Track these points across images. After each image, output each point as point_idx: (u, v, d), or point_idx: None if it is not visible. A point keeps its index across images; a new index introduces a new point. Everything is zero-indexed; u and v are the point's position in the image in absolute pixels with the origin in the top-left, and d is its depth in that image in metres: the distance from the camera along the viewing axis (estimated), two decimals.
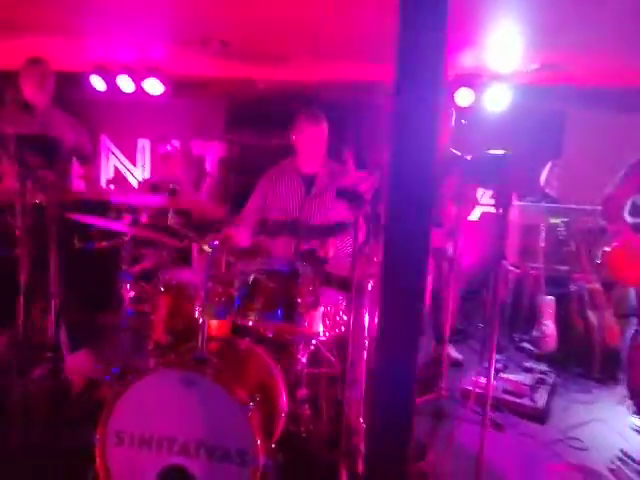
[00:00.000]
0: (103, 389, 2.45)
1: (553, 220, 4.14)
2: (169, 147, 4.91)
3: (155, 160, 5.29)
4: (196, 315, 1.91)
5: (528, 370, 3.37)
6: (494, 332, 1.91)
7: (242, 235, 2.81)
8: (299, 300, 1.93)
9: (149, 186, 4.13)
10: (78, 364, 2.73)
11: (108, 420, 1.75)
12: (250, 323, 1.94)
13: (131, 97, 5.08)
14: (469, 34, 3.94)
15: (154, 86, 5.02)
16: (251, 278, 1.92)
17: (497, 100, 4.66)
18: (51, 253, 2.55)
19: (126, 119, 5.29)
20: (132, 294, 2.33)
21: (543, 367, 3.46)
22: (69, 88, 5.26)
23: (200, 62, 4.63)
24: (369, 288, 2.13)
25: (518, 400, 2.94)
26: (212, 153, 5.28)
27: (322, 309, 2.08)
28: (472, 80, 4.66)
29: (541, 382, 3.19)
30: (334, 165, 3.00)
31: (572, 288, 3.89)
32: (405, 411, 1.68)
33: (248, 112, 5.19)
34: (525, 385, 3.07)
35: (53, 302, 2.85)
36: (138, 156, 5.38)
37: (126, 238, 2.53)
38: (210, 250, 1.88)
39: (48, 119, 3.34)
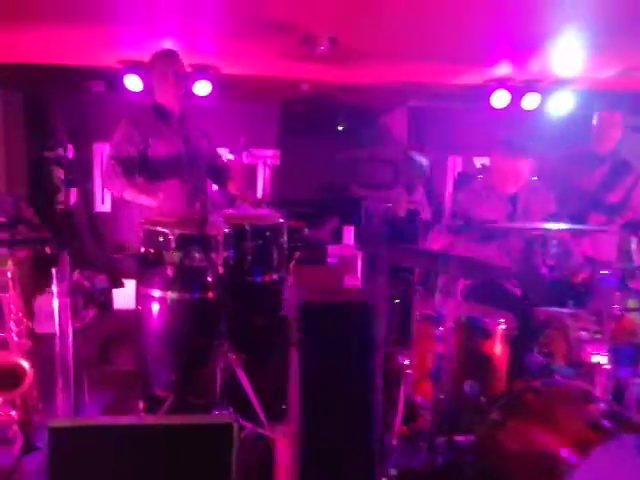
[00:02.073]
0: None
1: None
2: (232, 157, 4.36)
3: None
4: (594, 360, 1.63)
5: None
6: None
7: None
8: None
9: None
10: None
11: None
12: None
13: None
14: (538, 39, 3.98)
15: (203, 87, 4.42)
16: None
17: (561, 104, 4.77)
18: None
19: None
20: None
21: None
22: (94, 88, 4.49)
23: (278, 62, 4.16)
24: None
25: None
26: (264, 162, 4.78)
27: None
28: (538, 84, 4.72)
29: None
30: (535, 183, 2.91)
31: None
32: None
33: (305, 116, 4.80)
34: None
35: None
36: None
37: None
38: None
39: (186, 128, 2.74)
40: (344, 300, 1.37)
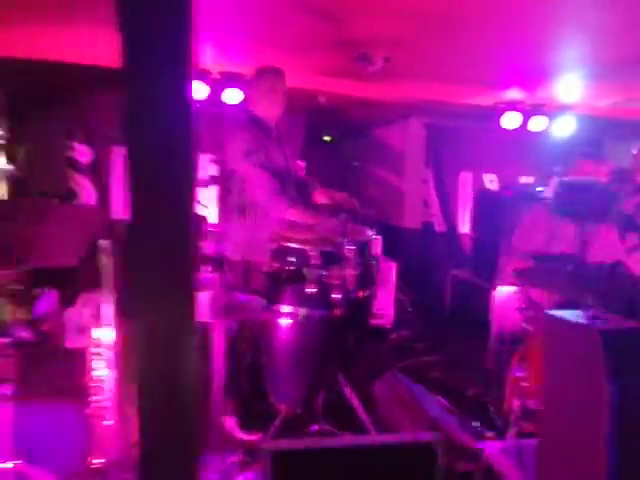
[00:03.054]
0: None
1: None
2: None
3: None
4: None
5: None
6: None
7: None
8: None
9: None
10: None
11: None
12: None
13: (196, 105, 4.35)
14: (546, 70, 4.35)
15: (233, 96, 4.38)
16: None
17: (564, 128, 5.15)
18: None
19: None
20: None
21: None
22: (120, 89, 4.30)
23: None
24: None
25: None
26: None
27: None
28: (544, 108, 5.08)
29: None
30: None
31: None
32: None
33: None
34: None
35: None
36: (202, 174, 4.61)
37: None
38: None
39: (281, 142, 2.73)
40: None
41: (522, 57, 3.90)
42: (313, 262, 2.05)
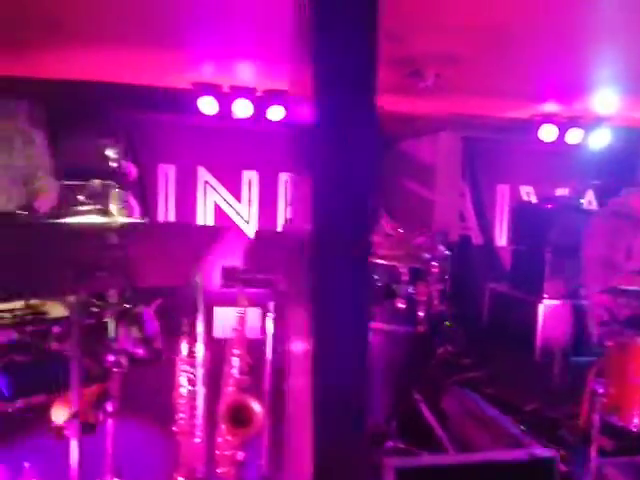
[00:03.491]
0: None
1: None
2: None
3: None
4: None
5: None
6: None
7: None
8: None
9: None
10: None
11: None
12: None
13: (239, 123, 4.41)
14: (584, 84, 4.39)
15: (276, 112, 4.43)
16: None
17: (600, 140, 5.17)
18: None
19: (233, 148, 4.55)
20: None
21: None
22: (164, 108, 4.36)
23: None
24: None
25: None
26: None
27: None
28: (580, 120, 5.10)
29: None
30: None
31: None
32: None
33: None
34: None
35: None
36: (243, 190, 4.65)
37: None
38: None
39: None
40: None
41: (562, 71, 3.95)
42: (403, 278, 2.07)
